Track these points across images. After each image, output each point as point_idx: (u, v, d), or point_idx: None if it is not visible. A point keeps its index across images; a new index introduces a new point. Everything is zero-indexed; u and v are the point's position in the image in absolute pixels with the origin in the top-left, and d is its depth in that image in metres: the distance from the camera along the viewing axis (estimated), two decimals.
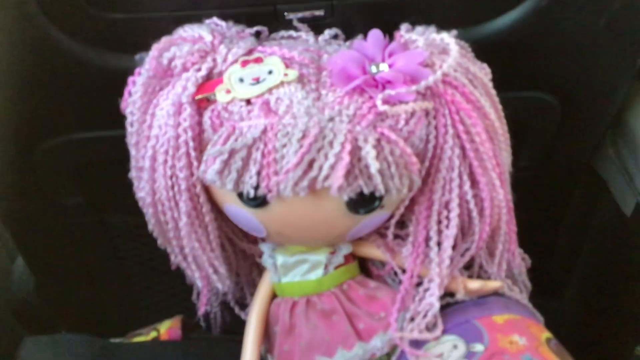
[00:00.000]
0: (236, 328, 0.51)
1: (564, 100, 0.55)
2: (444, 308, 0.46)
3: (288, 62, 0.42)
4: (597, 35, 0.51)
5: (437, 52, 0.42)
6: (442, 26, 0.44)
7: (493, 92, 0.44)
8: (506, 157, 0.46)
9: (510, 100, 0.45)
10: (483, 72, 0.44)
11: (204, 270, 0.47)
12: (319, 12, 0.47)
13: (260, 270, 0.51)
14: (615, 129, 0.60)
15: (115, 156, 0.48)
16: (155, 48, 0.42)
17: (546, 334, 0.45)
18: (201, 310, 0.52)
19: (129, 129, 0.44)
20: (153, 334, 0.54)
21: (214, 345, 0.54)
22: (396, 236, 0.47)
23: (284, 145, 0.39)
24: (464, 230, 0.46)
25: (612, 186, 0.62)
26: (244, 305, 0.53)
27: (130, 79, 0.44)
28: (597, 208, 0.67)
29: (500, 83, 0.44)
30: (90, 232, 0.65)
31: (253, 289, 0.51)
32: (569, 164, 0.64)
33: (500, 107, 0.45)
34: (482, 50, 0.45)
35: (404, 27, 0.44)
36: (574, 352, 0.46)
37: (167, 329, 0.55)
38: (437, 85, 0.41)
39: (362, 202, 0.41)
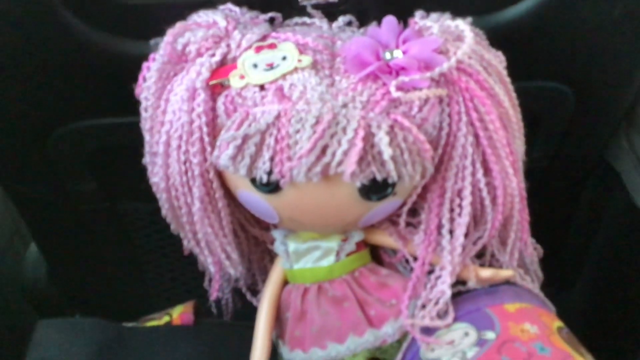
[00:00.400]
0: (247, 314, 0.52)
1: (578, 90, 0.55)
2: (455, 296, 0.46)
3: (302, 49, 0.42)
4: (612, 25, 0.51)
5: (451, 39, 0.42)
6: (457, 13, 0.43)
7: (507, 80, 0.44)
8: (519, 145, 0.46)
9: (524, 90, 0.45)
10: (498, 59, 0.44)
11: (217, 255, 0.47)
12: None
13: (272, 256, 0.51)
14: (630, 120, 0.60)
15: (129, 143, 0.48)
16: (170, 33, 0.42)
17: (558, 323, 0.45)
18: (213, 296, 0.52)
19: (143, 114, 0.44)
20: (166, 319, 0.54)
21: (226, 330, 0.54)
22: (408, 224, 0.47)
23: (297, 131, 0.39)
24: (477, 219, 0.46)
25: (625, 178, 0.62)
26: (256, 292, 0.53)
27: (144, 65, 0.44)
28: (610, 199, 0.67)
29: (515, 72, 0.44)
30: (103, 218, 0.65)
31: (265, 275, 0.51)
32: (582, 154, 0.63)
33: (514, 95, 0.45)
34: (497, 38, 0.45)
35: (419, 14, 0.44)
36: (584, 343, 0.46)
37: (180, 314, 0.55)
38: (451, 73, 0.41)
39: (375, 189, 0.41)
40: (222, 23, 0.43)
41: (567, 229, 0.72)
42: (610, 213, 0.67)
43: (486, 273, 0.46)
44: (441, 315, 0.45)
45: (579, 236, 0.72)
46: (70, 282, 0.72)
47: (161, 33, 0.43)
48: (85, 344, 0.49)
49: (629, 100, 0.58)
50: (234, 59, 0.42)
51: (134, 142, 0.47)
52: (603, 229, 0.69)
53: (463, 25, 0.42)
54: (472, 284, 0.46)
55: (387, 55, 0.41)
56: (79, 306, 0.71)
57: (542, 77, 0.54)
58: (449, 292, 0.45)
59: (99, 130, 0.56)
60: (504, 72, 0.44)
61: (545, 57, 0.52)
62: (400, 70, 0.40)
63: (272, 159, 0.40)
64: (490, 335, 0.42)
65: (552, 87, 0.55)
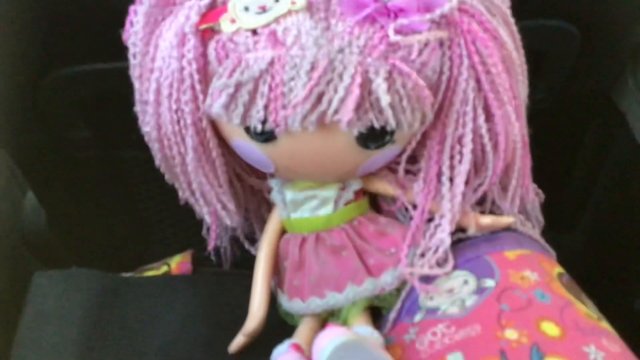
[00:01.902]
0: (246, 262, 0.51)
1: (584, 29, 0.53)
2: (455, 244, 0.45)
3: None
4: None
5: None
6: None
7: (511, 20, 0.42)
8: (523, 89, 0.44)
9: (528, 29, 0.43)
10: None
11: (212, 206, 0.46)
12: None
13: (270, 205, 0.51)
14: (636, 58, 0.58)
15: (121, 89, 0.47)
16: None
17: (558, 269, 0.45)
18: (211, 245, 0.51)
19: (132, 61, 0.43)
20: (164, 269, 0.54)
21: (224, 279, 0.54)
22: (407, 171, 0.46)
23: (292, 78, 0.37)
24: (477, 166, 0.45)
25: (630, 118, 0.60)
26: (254, 240, 0.53)
27: (131, 8, 0.42)
28: (614, 140, 0.66)
29: (519, 11, 0.42)
30: (98, 166, 0.64)
31: (262, 224, 0.51)
32: (587, 94, 0.62)
33: (518, 36, 0.43)
34: None
35: None
36: (585, 287, 0.46)
37: (178, 263, 0.55)
38: (452, 14, 0.39)
39: (373, 137, 0.40)
40: None
41: (570, 171, 0.71)
42: (614, 154, 0.67)
43: (486, 220, 0.46)
44: (440, 263, 0.44)
45: (581, 178, 0.71)
46: (69, 230, 0.72)
47: None
48: (82, 295, 0.49)
49: (635, 38, 0.56)
50: (224, 2, 0.40)
51: (126, 88, 0.46)
52: (606, 171, 0.69)
53: None
54: (472, 231, 0.46)
55: None
56: (77, 253, 0.72)
57: (547, 16, 0.52)
58: (448, 240, 0.44)
59: (90, 76, 0.55)
60: (508, 12, 0.42)
61: None
62: (399, 12, 0.38)
63: (266, 107, 0.38)
64: (489, 283, 0.42)
65: (557, 26, 0.53)
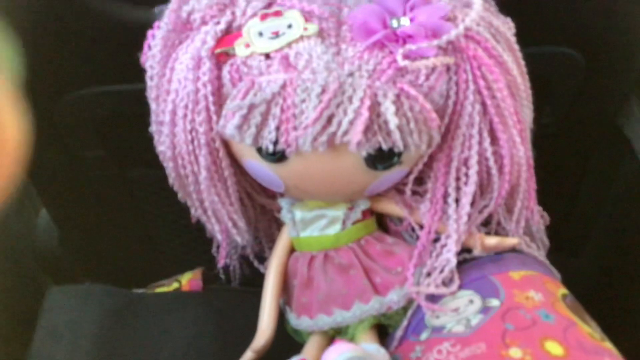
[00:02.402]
0: (254, 281, 0.52)
1: (589, 56, 0.54)
2: (460, 264, 0.46)
3: (308, 16, 0.41)
4: None
5: (459, 5, 0.41)
6: None
7: (516, 47, 0.43)
8: (528, 113, 0.45)
9: (533, 56, 0.44)
10: (506, 26, 0.43)
11: (224, 223, 0.47)
12: None
13: (279, 224, 0.52)
14: None
15: (136, 110, 0.48)
16: (174, 1, 0.42)
17: (562, 290, 0.45)
18: (221, 262, 0.52)
19: (149, 82, 0.44)
20: (175, 285, 0.55)
21: (234, 296, 0.55)
22: (414, 192, 0.47)
23: (303, 101, 0.39)
24: (483, 187, 0.46)
25: (635, 143, 0.61)
26: (263, 259, 0.54)
27: (149, 33, 0.44)
28: (620, 167, 0.66)
29: (524, 38, 0.44)
30: (111, 185, 0.65)
31: (271, 243, 0.52)
32: (593, 121, 0.63)
33: (523, 62, 0.44)
34: (506, 3, 0.44)
35: None
36: (589, 310, 0.46)
37: (189, 280, 0.56)
38: (459, 40, 0.40)
39: (381, 158, 0.41)
40: None
41: (576, 195, 0.71)
42: (619, 179, 0.67)
43: (492, 241, 0.47)
44: (446, 282, 0.45)
45: (587, 203, 0.72)
46: (81, 247, 0.73)
47: (166, 0, 0.42)
48: (95, 311, 0.50)
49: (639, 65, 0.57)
50: (239, 27, 0.42)
51: (141, 109, 0.47)
52: (612, 196, 0.69)
53: None
54: (477, 251, 0.46)
55: (394, 23, 0.40)
56: (89, 270, 0.73)
57: (552, 43, 0.53)
58: (454, 260, 0.45)
59: (106, 97, 0.56)
60: (513, 39, 0.43)
61: (554, 22, 0.52)
62: (407, 38, 0.40)
63: (277, 128, 0.39)
64: (494, 302, 0.43)
65: (562, 53, 0.54)
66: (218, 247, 0.54)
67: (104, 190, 0.66)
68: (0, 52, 0.13)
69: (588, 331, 0.41)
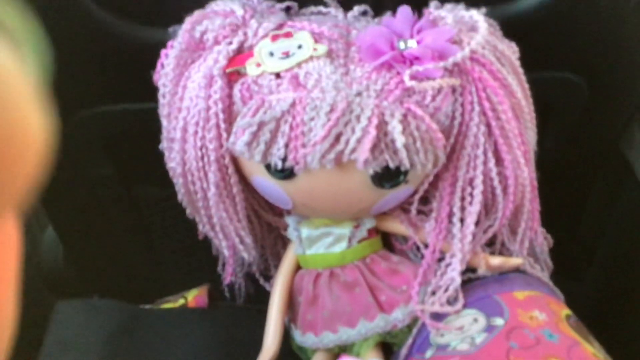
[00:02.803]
0: (259, 299, 0.53)
1: (592, 81, 0.55)
2: (465, 283, 0.46)
3: (317, 37, 0.42)
4: (626, 16, 0.51)
5: (465, 29, 0.42)
6: (471, 4, 0.44)
7: (520, 70, 0.44)
8: (531, 135, 0.46)
9: (537, 80, 0.45)
10: (511, 50, 0.44)
11: (231, 239, 0.48)
12: None
13: (285, 242, 0.52)
14: None
15: (145, 129, 0.49)
16: (188, 21, 0.43)
17: (566, 311, 0.46)
18: (227, 279, 0.53)
19: (161, 100, 0.45)
20: (181, 301, 0.56)
21: (240, 313, 0.55)
22: (419, 212, 0.48)
23: (312, 119, 0.40)
24: (487, 208, 0.46)
25: (637, 168, 0.62)
26: (268, 277, 0.54)
27: (163, 52, 0.45)
28: (622, 191, 0.67)
29: (528, 62, 0.45)
30: (118, 203, 0.66)
31: (277, 261, 0.52)
32: (595, 145, 0.63)
33: (527, 85, 0.45)
34: (511, 28, 0.45)
35: (433, 4, 0.44)
36: (594, 334, 0.46)
37: (195, 296, 0.56)
38: (464, 62, 0.41)
39: (387, 176, 0.42)
40: (240, 12, 0.43)
41: (579, 219, 0.72)
42: (622, 203, 0.67)
43: (496, 261, 0.47)
44: (451, 301, 0.46)
45: (590, 226, 0.72)
46: (87, 265, 0.73)
47: (180, 21, 0.43)
48: (102, 325, 0.50)
49: None
50: (251, 47, 0.43)
51: (150, 127, 0.48)
52: (615, 220, 0.69)
53: (477, 16, 0.42)
54: (482, 271, 0.47)
55: (402, 45, 0.42)
56: (94, 287, 0.73)
57: (555, 68, 0.54)
58: (458, 279, 0.45)
59: (116, 115, 0.57)
60: (517, 63, 0.44)
61: (558, 47, 0.53)
62: (414, 59, 0.41)
63: (286, 145, 0.40)
64: (499, 321, 0.43)
65: (565, 78, 0.55)
66: (224, 265, 0.54)
67: (111, 207, 0.66)
68: (28, 48, 0.14)
69: (592, 351, 0.41)
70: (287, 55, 0.42)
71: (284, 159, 0.41)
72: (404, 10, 0.43)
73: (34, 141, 0.14)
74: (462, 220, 0.46)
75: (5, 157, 0.13)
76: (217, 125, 0.43)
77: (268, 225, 0.52)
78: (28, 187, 0.14)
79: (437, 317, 0.45)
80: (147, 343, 0.50)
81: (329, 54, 0.42)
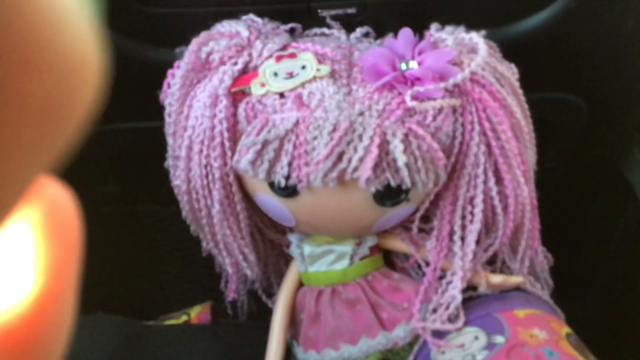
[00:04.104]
0: (262, 316, 0.53)
1: (591, 102, 0.56)
2: (466, 301, 0.47)
3: (321, 58, 0.43)
4: (624, 38, 0.51)
5: (465, 51, 0.43)
6: (472, 26, 0.45)
7: (520, 91, 0.45)
8: (531, 155, 0.47)
9: (536, 101, 0.46)
10: (510, 71, 0.45)
11: (234, 257, 0.48)
12: (351, 10, 0.48)
13: (288, 260, 0.53)
14: None
15: (150, 147, 0.50)
16: (195, 42, 0.44)
17: (566, 329, 0.46)
18: (230, 296, 0.53)
19: (167, 119, 0.46)
20: (184, 318, 0.56)
21: (242, 330, 0.56)
22: (420, 230, 0.48)
23: (315, 138, 0.40)
24: (488, 226, 0.47)
25: (638, 189, 0.62)
26: (271, 294, 0.55)
27: (169, 72, 0.46)
28: (623, 211, 0.67)
29: (527, 83, 0.45)
30: (123, 220, 0.67)
31: (280, 278, 0.53)
32: (595, 165, 0.64)
33: (526, 106, 0.46)
34: (510, 50, 0.46)
35: (434, 26, 0.45)
36: (595, 354, 0.46)
37: (198, 313, 0.57)
38: (465, 83, 0.42)
39: (389, 195, 0.43)
40: (245, 33, 0.44)
41: (580, 239, 0.72)
42: (623, 225, 0.68)
43: (496, 279, 0.47)
44: (452, 319, 0.46)
45: (591, 246, 0.72)
46: (91, 280, 0.73)
47: (186, 42, 0.44)
48: (106, 340, 0.50)
49: None
50: (255, 68, 0.44)
51: (156, 146, 0.49)
52: (616, 241, 0.70)
53: (477, 38, 0.43)
54: (482, 289, 0.47)
55: (403, 66, 0.42)
56: (99, 304, 0.73)
57: (554, 89, 0.55)
58: (459, 297, 0.46)
59: (122, 133, 0.58)
60: (517, 84, 0.45)
61: (557, 69, 0.53)
62: (416, 80, 0.42)
63: (290, 164, 0.41)
64: (499, 339, 0.43)
65: (565, 99, 0.56)
66: (226, 282, 0.55)
67: (115, 224, 0.67)
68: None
69: None
70: (291, 75, 0.42)
71: (287, 177, 0.41)
72: (406, 32, 0.44)
73: (93, 72, 0.14)
74: (462, 239, 0.46)
75: (67, 82, 0.13)
76: (222, 144, 0.43)
77: (271, 242, 0.53)
78: (80, 122, 0.15)
79: (438, 334, 0.46)
80: (150, 358, 0.50)
81: (332, 75, 0.42)
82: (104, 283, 0.73)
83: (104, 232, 0.67)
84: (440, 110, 0.42)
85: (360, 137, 0.40)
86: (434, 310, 0.46)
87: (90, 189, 0.63)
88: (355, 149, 0.40)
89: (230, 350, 0.53)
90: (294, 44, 0.45)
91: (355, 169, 0.40)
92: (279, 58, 0.43)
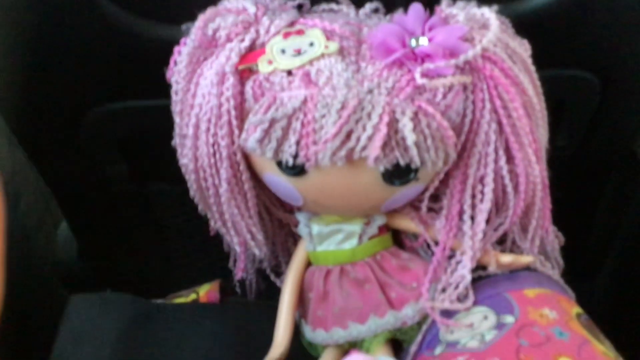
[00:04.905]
0: (270, 295, 0.53)
1: (605, 79, 0.55)
2: (475, 281, 0.46)
3: (329, 35, 0.42)
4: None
5: (477, 27, 0.42)
6: (483, 1, 0.44)
7: (532, 68, 0.44)
8: (543, 133, 0.46)
9: (549, 78, 0.45)
10: (523, 47, 0.44)
11: (242, 236, 0.48)
12: None
13: (296, 239, 0.52)
14: None
15: (157, 125, 0.50)
16: (201, 19, 0.43)
17: (577, 309, 0.46)
18: (238, 275, 0.53)
19: (174, 97, 0.46)
20: (193, 296, 0.56)
21: (251, 308, 0.56)
22: (430, 209, 0.48)
23: (323, 116, 0.40)
24: (498, 205, 0.46)
25: None
26: (279, 273, 0.55)
27: (176, 49, 0.45)
28: (635, 191, 0.66)
29: (540, 60, 0.44)
30: (131, 199, 0.67)
31: (288, 258, 0.53)
32: (608, 145, 0.63)
33: (538, 83, 0.45)
34: (522, 26, 0.45)
35: (445, 1, 0.44)
36: (605, 333, 0.46)
37: (206, 291, 0.57)
38: (475, 60, 0.41)
39: (398, 174, 0.42)
40: (252, 9, 0.44)
41: (591, 219, 0.72)
42: (635, 203, 0.67)
43: (506, 258, 0.47)
44: (461, 298, 0.46)
45: (603, 226, 0.72)
46: (100, 260, 0.74)
47: (192, 18, 0.44)
48: (115, 319, 0.51)
49: None
50: (263, 45, 0.43)
51: (163, 124, 0.48)
52: (627, 220, 0.69)
53: (489, 13, 0.42)
54: (492, 269, 0.47)
55: (413, 43, 0.42)
56: (108, 284, 0.74)
57: (568, 65, 0.54)
58: (469, 277, 0.45)
59: (130, 112, 0.57)
60: (529, 61, 0.44)
61: (570, 45, 0.53)
62: (426, 57, 0.41)
63: (298, 142, 0.41)
64: (509, 319, 0.43)
65: (578, 76, 0.55)
66: (235, 261, 0.55)
67: (124, 204, 0.67)
68: None
69: (602, 350, 0.41)
70: (298, 52, 0.42)
71: (295, 156, 0.41)
72: (416, 8, 0.43)
73: None
74: (472, 218, 0.46)
75: None
76: (229, 122, 0.43)
77: (279, 221, 0.52)
78: None
79: (447, 314, 0.45)
80: (159, 336, 0.51)
81: (341, 52, 0.42)
82: (113, 262, 0.73)
83: (113, 211, 0.68)
84: (450, 87, 0.41)
85: (369, 116, 0.40)
86: (443, 290, 0.46)
87: (98, 169, 0.63)
88: (364, 128, 0.40)
89: (239, 329, 0.53)
90: (301, 20, 0.44)
91: (364, 148, 0.40)
92: (286, 35, 0.43)
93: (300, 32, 0.43)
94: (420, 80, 0.40)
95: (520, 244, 0.48)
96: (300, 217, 0.50)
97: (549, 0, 0.49)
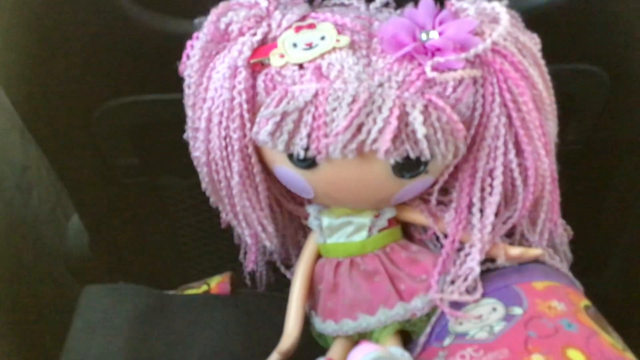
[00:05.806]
0: (280, 287, 0.53)
1: (613, 73, 0.55)
2: (484, 273, 0.47)
3: (340, 29, 0.43)
4: None
5: (487, 21, 0.43)
6: None
7: (542, 62, 0.44)
8: (552, 127, 0.46)
9: (559, 72, 0.45)
10: (532, 42, 0.44)
11: (253, 228, 0.49)
12: None
13: (306, 232, 0.53)
14: None
15: (170, 119, 0.50)
16: (214, 13, 0.44)
17: (585, 302, 0.46)
18: (249, 267, 0.54)
19: (186, 91, 0.46)
20: (204, 288, 0.57)
21: (261, 300, 0.56)
22: (439, 202, 0.48)
23: (334, 109, 0.40)
24: (507, 199, 0.47)
25: None
26: (289, 266, 0.55)
27: (188, 43, 0.46)
28: None
29: (550, 54, 0.45)
30: (143, 192, 0.67)
31: (298, 250, 0.53)
32: (617, 138, 0.63)
33: (548, 77, 0.45)
34: (532, 20, 0.45)
35: None
36: (613, 327, 0.46)
37: (217, 283, 0.57)
38: (486, 54, 0.42)
39: (408, 167, 0.43)
40: (264, 3, 0.44)
41: (600, 213, 0.72)
42: None
43: (515, 251, 0.47)
44: (470, 290, 0.46)
45: (611, 220, 0.72)
46: (111, 253, 0.75)
47: (205, 12, 0.44)
48: (128, 309, 0.51)
49: None
50: (275, 39, 0.43)
51: (175, 118, 0.49)
52: (636, 214, 0.69)
53: (499, 7, 0.42)
54: (501, 261, 0.47)
55: (423, 36, 0.42)
56: (119, 275, 0.74)
57: (577, 60, 0.54)
58: (477, 269, 0.46)
59: (141, 106, 0.58)
60: (539, 55, 0.44)
61: (580, 39, 0.53)
62: (436, 51, 0.41)
63: (309, 135, 0.41)
64: (517, 310, 0.43)
65: (587, 70, 0.55)
66: (245, 253, 0.55)
67: (136, 197, 0.68)
68: None
69: (610, 341, 0.42)
70: (310, 46, 0.42)
71: (307, 149, 0.41)
72: (426, 2, 0.43)
73: None
74: (481, 211, 0.46)
75: None
76: (241, 116, 0.43)
77: (289, 214, 0.53)
78: None
79: (456, 306, 0.46)
80: (171, 327, 0.51)
81: (352, 45, 0.42)
82: (125, 254, 0.74)
83: (124, 203, 0.68)
84: (460, 81, 0.41)
85: (379, 109, 0.40)
86: (452, 282, 0.46)
87: (110, 161, 0.63)
88: (375, 121, 0.40)
89: (251, 320, 0.54)
90: (313, 15, 0.44)
91: (375, 141, 0.40)
92: (298, 29, 0.43)
93: (311, 26, 0.43)
94: (430, 74, 0.40)
95: (529, 236, 0.49)
96: (311, 209, 0.50)
97: None
